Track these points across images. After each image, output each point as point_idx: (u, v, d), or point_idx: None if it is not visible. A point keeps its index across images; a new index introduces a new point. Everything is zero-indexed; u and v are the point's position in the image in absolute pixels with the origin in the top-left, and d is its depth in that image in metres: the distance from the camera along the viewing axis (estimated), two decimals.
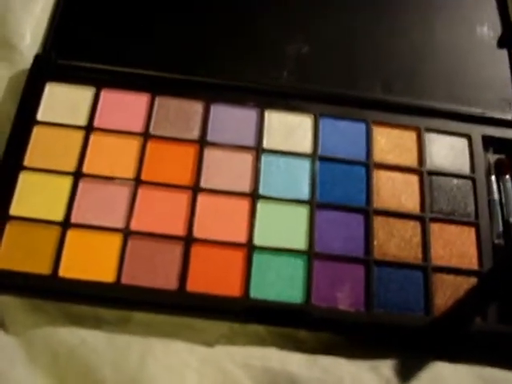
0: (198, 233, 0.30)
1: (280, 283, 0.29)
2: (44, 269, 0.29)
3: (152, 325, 0.29)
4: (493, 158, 0.35)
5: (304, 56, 0.36)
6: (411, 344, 0.30)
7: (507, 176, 0.34)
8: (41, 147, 0.31)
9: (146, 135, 0.32)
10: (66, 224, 0.30)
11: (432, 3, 0.39)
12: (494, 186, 0.34)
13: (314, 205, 0.31)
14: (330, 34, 0.37)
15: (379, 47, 0.37)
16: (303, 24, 0.37)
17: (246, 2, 0.38)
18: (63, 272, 0.29)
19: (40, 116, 0.32)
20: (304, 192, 0.32)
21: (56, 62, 0.34)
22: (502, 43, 0.39)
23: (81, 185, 0.31)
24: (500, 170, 0.34)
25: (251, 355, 0.29)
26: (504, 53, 0.39)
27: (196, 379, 0.28)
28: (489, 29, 0.39)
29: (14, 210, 0.30)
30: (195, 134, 0.33)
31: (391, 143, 0.34)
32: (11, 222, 0.30)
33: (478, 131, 0.35)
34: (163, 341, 0.28)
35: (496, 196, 0.33)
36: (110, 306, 0.29)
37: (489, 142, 0.35)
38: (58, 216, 0.30)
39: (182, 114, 0.33)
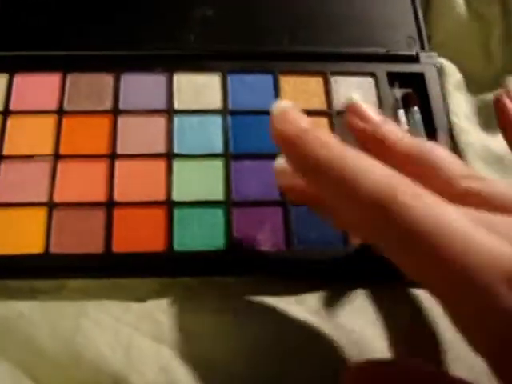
0: (118, 197, 0.31)
1: (202, 234, 0.31)
2: None
3: (85, 290, 0.30)
4: (400, 92, 0.36)
5: (209, 19, 0.37)
6: (334, 275, 0.32)
7: (415, 108, 0.36)
8: None
9: (60, 112, 0.33)
10: None
11: None
12: (403, 119, 0.35)
13: (229, 157, 0.33)
14: None
15: (282, 1, 0.38)
16: None
17: None
18: None
19: None
20: (218, 146, 0.33)
21: None
22: None
23: (2, 166, 0.32)
24: (407, 102, 0.36)
25: (182, 305, 0.30)
26: None
27: (130, 333, 0.29)
28: None
29: None
30: (108, 104, 0.34)
31: (298, 90, 0.35)
32: None
33: (383, 69, 0.36)
34: (96, 302, 0.30)
35: (405, 127, 0.35)
36: (42, 275, 0.30)
37: (394, 78, 0.36)
38: None
39: (93, 88, 0.34)
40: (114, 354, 0.28)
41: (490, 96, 0.38)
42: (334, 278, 0.32)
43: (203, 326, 0.29)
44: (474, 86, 0.39)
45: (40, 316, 0.29)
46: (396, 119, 0.35)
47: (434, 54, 0.37)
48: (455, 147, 0.34)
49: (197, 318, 0.29)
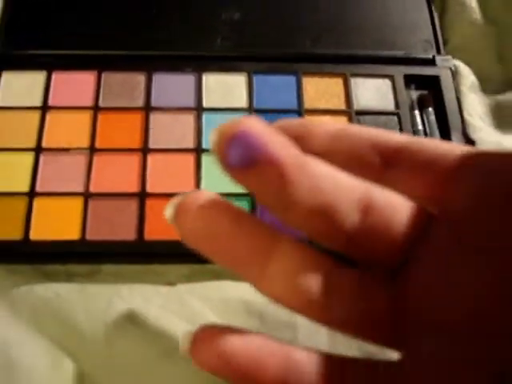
0: (150, 188, 0.33)
1: None
2: (16, 235, 0.32)
3: (119, 275, 0.33)
4: (415, 94, 0.38)
5: (236, 22, 0.39)
6: None
7: (430, 109, 0.37)
8: (2, 129, 0.35)
9: (96, 108, 0.36)
10: (31, 193, 0.33)
11: None
12: (418, 119, 0.37)
13: None
14: (259, 0, 0.41)
15: (306, 6, 0.40)
16: None
17: None
18: (33, 235, 0.32)
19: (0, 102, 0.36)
20: None
21: (9, 52, 0.37)
22: None
23: (42, 158, 0.34)
24: (423, 104, 0.38)
25: (209, 288, 0.32)
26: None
27: (160, 313, 0.31)
28: None
29: None
30: (140, 101, 0.36)
31: (320, 91, 0.37)
32: None
33: (400, 71, 0.38)
34: (129, 285, 0.32)
35: (420, 127, 0.37)
36: (77, 260, 0.32)
37: (411, 80, 0.38)
38: (25, 187, 0.33)
39: (126, 86, 0.36)
40: None
41: (503, 98, 0.40)
42: None
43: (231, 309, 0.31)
44: (487, 87, 0.41)
45: (76, 296, 0.31)
46: (412, 120, 0.37)
47: (449, 57, 0.39)
48: (469, 145, 0.36)
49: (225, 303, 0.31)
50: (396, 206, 0.21)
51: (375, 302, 0.21)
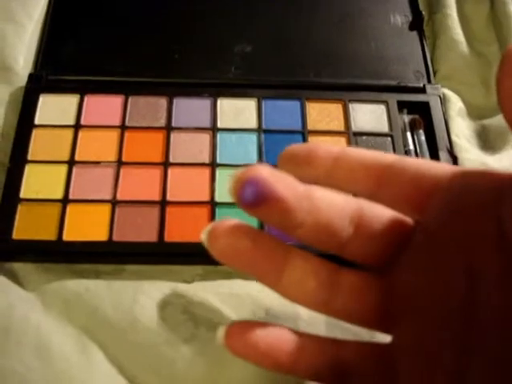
0: (170, 197, 0.38)
1: None
2: (51, 236, 0.36)
3: (141, 273, 0.36)
4: (407, 118, 0.43)
5: (248, 54, 0.44)
6: None
7: (420, 131, 0.42)
8: (40, 144, 0.39)
9: (123, 127, 0.40)
10: (65, 200, 0.37)
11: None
12: (410, 140, 0.41)
13: None
14: (268, 35, 0.45)
15: (309, 40, 0.45)
16: (245, 28, 0.45)
17: (196, 14, 0.46)
18: (66, 236, 0.36)
19: (37, 121, 0.40)
20: (253, 158, 0.39)
21: (47, 78, 0.42)
22: (412, 27, 0.47)
23: (74, 170, 0.38)
24: (414, 126, 0.42)
25: (221, 286, 0.36)
26: (415, 34, 0.47)
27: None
28: (401, 16, 0.47)
29: (24, 193, 0.37)
30: (162, 122, 0.41)
31: (321, 114, 0.42)
32: (22, 203, 0.37)
33: (394, 98, 0.43)
34: (150, 282, 0.36)
35: (411, 147, 0.41)
36: (105, 259, 0.36)
37: (403, 106, 0.43)
38: (59, 195, 0.37)
39: (150, 108, 0.41)
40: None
41: (488, 122, 0.44)
42: None
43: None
44: (474, 113, 0.45)
45: (103, 291, 0.35)
46: (404, 140, 0.41)
47: (438, 86, 0.44)
48: (455, 164, 0.40)
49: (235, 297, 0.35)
50: (383, 218, 0.26)
51: (369, 296, 0.26)
